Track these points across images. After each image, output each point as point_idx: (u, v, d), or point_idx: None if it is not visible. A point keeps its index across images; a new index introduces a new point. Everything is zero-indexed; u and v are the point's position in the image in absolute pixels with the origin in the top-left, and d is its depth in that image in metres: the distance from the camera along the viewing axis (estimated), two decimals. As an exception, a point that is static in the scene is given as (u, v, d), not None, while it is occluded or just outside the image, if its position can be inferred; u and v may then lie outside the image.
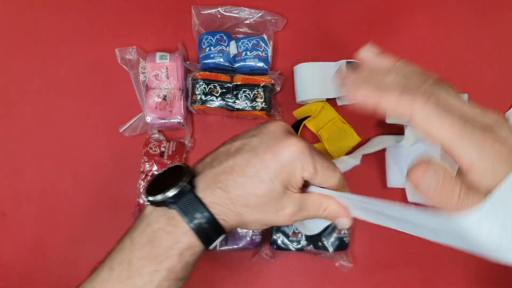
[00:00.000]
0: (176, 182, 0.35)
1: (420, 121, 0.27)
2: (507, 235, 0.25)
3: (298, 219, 0.37)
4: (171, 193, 0.34)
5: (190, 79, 0.63)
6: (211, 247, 0.36)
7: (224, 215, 0.35)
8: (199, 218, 0.34)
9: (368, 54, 0.34)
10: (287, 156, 0.35)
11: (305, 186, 0.38)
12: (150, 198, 0.35)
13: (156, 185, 0.36)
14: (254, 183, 0.35)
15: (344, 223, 0.38)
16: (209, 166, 0.37)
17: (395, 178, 0.61)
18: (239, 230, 0.60)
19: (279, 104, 0.65)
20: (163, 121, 0.62)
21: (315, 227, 0.46)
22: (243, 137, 0.38)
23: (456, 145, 0.26)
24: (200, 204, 0.34)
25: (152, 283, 0.34)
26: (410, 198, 0.61)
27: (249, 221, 0.36)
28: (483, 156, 0.25)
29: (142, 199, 0.37)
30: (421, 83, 0.29)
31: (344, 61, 0.63)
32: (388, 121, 0.63)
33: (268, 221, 0.37)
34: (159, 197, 0.34)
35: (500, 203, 0.25)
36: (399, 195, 0.63)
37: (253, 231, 0.60)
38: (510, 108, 0.64)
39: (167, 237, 0.34)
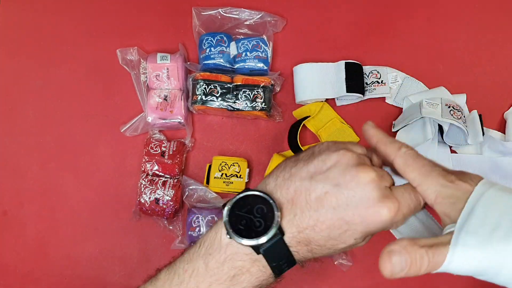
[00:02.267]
0: (267, 225, 0.33)
1: (399, 161, 0.34)
2: (492, 258, 0.28)
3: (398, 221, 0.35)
4: (263, 240, 0.33)
5: (190, 79, 0.63)
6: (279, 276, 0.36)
7: (298, 253, 0.35)
8: (283, 262, 0.34)
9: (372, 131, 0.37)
10: (378, 224, 0.33)
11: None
12: (240, 241, 0.33)
13: (237, 216, 0.34)
14: (337, 241, 0.34)
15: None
16: (291, 210, 0.34)
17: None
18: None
19: (279, 104, 0.66)
20: (163, 121, 0.63)
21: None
22: (322, 176, 0.33)
23: (424, 180, 0.33)
24: (287, 252, 0.34)
25: None
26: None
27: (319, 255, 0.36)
28: (446, 190, 0.32)
29: (227, 233, 0.34)
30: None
31: (343, 61, 0.63)
32: (394, 130, 0.63)
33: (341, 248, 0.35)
34: (251, 243, 0.33)
35: (469, 231, 0.29)
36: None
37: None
38: (509, 108, 0.65)
39: (250, 278, 0.34)
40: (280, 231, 0.33)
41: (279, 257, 0.34)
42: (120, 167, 0.65)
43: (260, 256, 0.34)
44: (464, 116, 0.60)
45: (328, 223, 0.33)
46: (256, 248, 0.33)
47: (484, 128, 0.64)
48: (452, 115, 0.58)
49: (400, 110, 0.65)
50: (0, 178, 0.65)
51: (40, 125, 0.66)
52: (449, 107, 0.59)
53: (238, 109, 0.62)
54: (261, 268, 0.34)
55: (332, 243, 0.34)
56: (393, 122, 0.64)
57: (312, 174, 0.34)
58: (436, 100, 0.60)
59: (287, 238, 0.34)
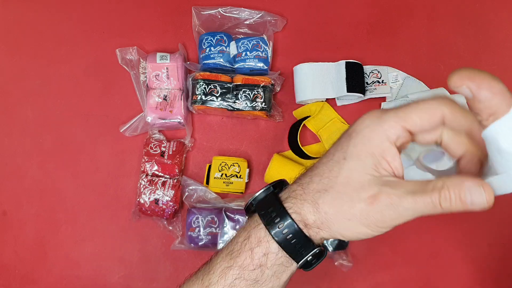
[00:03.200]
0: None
1: None
2: None
3: (404, 216, 0.29)
4: (256, 194, 0.34)
5: (190, 79, 0.63)
6: (300, 262, 0.33)
7: (297, 207, 0.31)
8: (271, 211, 0.32)
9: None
10: (358, 128, 0.30)
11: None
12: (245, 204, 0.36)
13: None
14: (328, 167, 0.31)
15: (477, 198, 0.27)
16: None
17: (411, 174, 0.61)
18: (235, 232, 0.60)
19: (279, 104, 0.65)
20: (163, 121, 0.63)
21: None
22: None
23: None
24: (275, 200, 0.33)
25: (225, 281, 0.33)
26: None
27: (329, 213, 0.30)
28: None
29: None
30: None
31: (343, 61, 0.63)
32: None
33: (356, 215, 0.29)
34: (249, 199, 0.35)
35: None
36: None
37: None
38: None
39: (243, 232, 0.34)
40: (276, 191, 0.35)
41: (267, 205, 0.33)
42: (119, 167, 0.65)
43: (256, 214, 0.34)
44: None
45: (321, 158, 0.32)
46: (251, 207, 0.35)
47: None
48: None
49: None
50: (0, 178, 0.65)
51: (39, 125, 0.66)
52: None
53: (238, 109, 0.62)
54: (251, 219, 0.34)
55: (324, 175, 0.31)
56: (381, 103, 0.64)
57: None
58: None
59: (282, 193, 0.34)
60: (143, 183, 0.61)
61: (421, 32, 0.67)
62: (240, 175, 0.61)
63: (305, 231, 0.32)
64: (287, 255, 0.32)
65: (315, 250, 0.32)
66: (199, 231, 0.60)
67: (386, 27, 0.68)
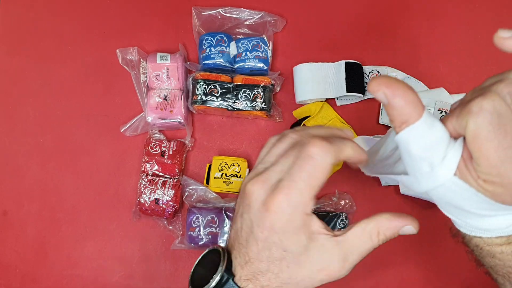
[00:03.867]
0: (214, 272, 0.35)
1: None
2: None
3: (350, 266, 0.34)
4: (211, 284, 0.34)
5: (190, 79, 0.63)
6: None
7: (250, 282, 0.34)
8: None
9: None
10: (280, 223, 0.33)
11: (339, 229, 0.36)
12: None
13: (197, 275, 0.36)
14: (276, 265, 0.34)
15: (409, 230, 0.34)
16: (236, 246, 0.36)
17: (386, 177, 0.62)
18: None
19: (279, 104, 0.66)
20: (163, 121, 0.63)
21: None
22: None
23: None
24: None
25: None
26: (402, 190, 0.61)
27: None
28: None
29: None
30: None
31: (343, 61, 0.63)
32: (381, 122, 0.64)
33: (309, 281, 0.34)
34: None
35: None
36: (393, 191, 0.63)
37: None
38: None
39: None
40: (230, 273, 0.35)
41: None
42: (120, 167, 0.65)
43: None
44: None
45: (253, 233, 0.34)
46: None
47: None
48: None
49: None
50: (0, 178, 0.65)
51: (40, 125, 0.66)
52: (441, 112, 0.60)
53: (238, 109, 0.62)
54: None
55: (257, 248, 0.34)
56: (381, 108, 0.65)
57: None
58: (429, 105, 0.61)
59: (237, 275, 0.34)
60: (143, 182, 0.61)
61: (420, 33, 0.68)
62: (240, 175, 0.61)
63: None
64: None
65: None
66: (199, 230, 0.60)
67: (386, 27, 0.68)
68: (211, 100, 0.62)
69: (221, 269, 0.34)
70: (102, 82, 0.67)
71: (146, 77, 0.64)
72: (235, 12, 0.65)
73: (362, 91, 0.63)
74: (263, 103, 0.62)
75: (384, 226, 0.34)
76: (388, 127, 0.64)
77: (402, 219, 0.34)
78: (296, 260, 0.33)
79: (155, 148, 0.62)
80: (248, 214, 0.34)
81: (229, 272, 0.35)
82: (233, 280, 0.34)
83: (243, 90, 0.62)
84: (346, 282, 0.61)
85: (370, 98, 0.65)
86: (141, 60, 0.65)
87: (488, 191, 0.29)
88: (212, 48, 0.64)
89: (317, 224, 0.34)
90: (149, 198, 0.60)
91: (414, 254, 0.62)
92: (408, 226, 0.34)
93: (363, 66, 0.64)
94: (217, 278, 0.34)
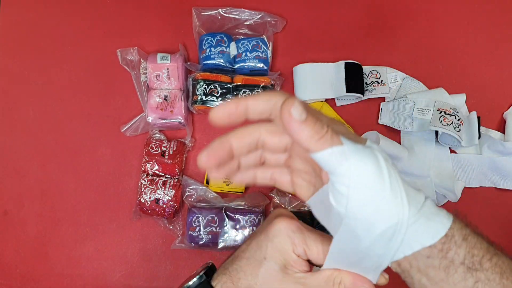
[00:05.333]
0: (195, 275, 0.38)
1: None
2: None
3: None
4: (190, 283, 0.37)
5: (190, 79, 0.63)
6: None
7: None
8: None
9: None
10: (275, 232, 0.36)
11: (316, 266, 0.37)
12: None
13: None
14: (251, 264, 0.36)
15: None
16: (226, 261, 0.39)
17: None
18: (234, 233, 0.60)
19: (279, 104, 0.66)
20: (164, 121, 0.63)
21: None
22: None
23: None
24: None
25: None
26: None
27: None
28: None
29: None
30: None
31: (343, 61, 0.64)
32: (380, 122, 0.64)
33: None
34: (183, 286, 0.37)
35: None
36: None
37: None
38: (509, 108, 0.65)
39: None
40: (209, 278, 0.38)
41: None
42: (120, 167, 0.65)
43: None
44: (458, 119, 0.60)
45: (244, 247, 0.38)
46: None
47: (484, 128, 0.64)
48: (441, 121, 0.59)
49: (399, 110, 0.65)
50: (1, 178, 0.65)
51: (40, 125, 0.66)
52: (440, 112, 0.60)
53: (238, 109, 0.62)
54: None
55: (249, 272, 0.36)
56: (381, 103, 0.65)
57: None
58: (429, 105, 0.61)
59: (213, 280, 0.37)
60: (143, 182, 0.61)
61: (420, 33, 0.68)
62: (240, 175, 0.62)
63: None
64: None
65: None
66: (199, 230, 0.60)
67: (385, 27, 0.68)
68: (211, 100, 0.62)
69: (201, 269, 0.38)
70: (103, 82, 0.67)
71: (146, 77, 0.64)
72: (235, 13, 0.66)
73: (362, 91, 0.63)
74: (263, 103, 0.62)
75: (346, 279, 0.35)
76: (388, 127, 0.65)
77: (363, 280, 0.35)
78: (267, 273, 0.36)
79: (155, 148, 0.62)
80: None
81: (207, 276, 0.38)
82: (208, 281, 0.37)
83: (243, 90, 0.62)
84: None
85: (370, 98, 0.65)
86: (142, 60, 0.65)
87: None
88: (212, 49, 0.64)
89: (301, 268, 0.36)
90: (150, 198, 0.60)
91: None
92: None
93: (363, 66, 0.65)
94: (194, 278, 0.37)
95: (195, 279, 0.37)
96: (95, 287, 0.63)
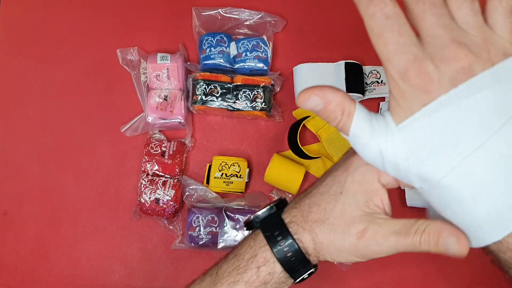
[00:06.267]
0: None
1: None
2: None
3: (389, 249, 0.31)
4: (259, 213, 0.37)
5: (190, 79, 0.63)
6: (297, 279, 0.36)
7: (299, 235, 0.34)
8: (276, 233, 0.35)
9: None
10: (357, 164, 0.33)
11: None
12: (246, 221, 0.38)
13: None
14: (325, 199, 0.34)
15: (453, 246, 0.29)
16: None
17: (414, 197, 0.61)
18: (234, 233, 0.60)
19: (279, 104, 0.66)
20: (164, 121, 0.63)
21: None
22: None
23: None
24: (281, 223, 0.35)
25: None
26: (409, 202, 0.61)
27: (324, 243, 0.34)
28: None
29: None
30: None
31: (343, 61, 0.64)
32: None
33: (346, 247, 0.32)
34: (251, 217, 0.37)
35: None
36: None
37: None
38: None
39: (249, 250, 0.36)
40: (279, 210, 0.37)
41: (272, 227, 0.35)
42: (120, 167, 0.65)
43: (259, 231, 0.36)
44: None
45: (318, 183, 0.36)
46: (255, 225, 0.37)
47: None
48: None
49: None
50: (1, 178, 0.65)
51: (40, 125, 0.66)
52: None
53: (238, 109, 0.62)
54: (256, 239, 0.36)
55: (322, 206, 0.34)
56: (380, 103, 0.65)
57: None
58: None
59: (283, 213, 0.36)
60: (143, 182, 0.61)
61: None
62: (240, 175, 0.62)
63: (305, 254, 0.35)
64: (288, 274, 0.35)
65: (312, 269, 0.36)
66: (199, 230, 0.60)
67: (385, 27, 0.68)
68: (211, 100, 0.62)
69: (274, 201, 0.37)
70: (103, 82, 0.67)
71: (146, 77, 0.64)
72: (235, 13, 0.66)
73: (362, 91, 0.63)
74: (263, 103, 0.62)
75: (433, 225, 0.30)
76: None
77: (453, 228, 0.30)
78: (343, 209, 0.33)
79: (155, 148, 0.62)
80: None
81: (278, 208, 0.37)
82: (277, 212, 0.36)
83: (243, 90, 0.62)
84: (346, 281, 0.62)
85: (370, 98, 0.65)
86: (142, 60, 0.65)
87: None
88: (212, 49, 0.64)
89: (382, 201, 0.33)
90: (150, 198, 0.60)
91: (413, 254, 0.62)
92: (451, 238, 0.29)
93: (363, 66, 0.65)
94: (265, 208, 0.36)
95: (264, 209, 0.36)
96: (95, 287, 0.63)
